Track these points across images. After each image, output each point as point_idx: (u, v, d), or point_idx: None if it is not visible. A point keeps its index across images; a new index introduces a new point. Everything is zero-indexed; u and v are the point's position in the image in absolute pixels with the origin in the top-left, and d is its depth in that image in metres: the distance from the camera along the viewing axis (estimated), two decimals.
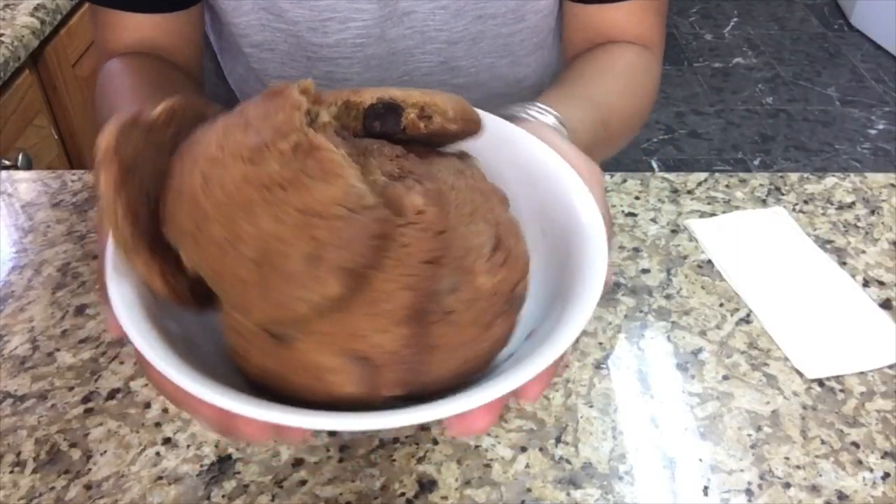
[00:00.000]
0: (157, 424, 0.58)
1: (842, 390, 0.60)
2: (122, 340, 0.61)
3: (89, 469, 0.55)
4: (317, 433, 0.56)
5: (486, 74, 0.73)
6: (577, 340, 0.62)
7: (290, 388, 0.34)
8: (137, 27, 0.67)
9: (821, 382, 0.61)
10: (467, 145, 0.42)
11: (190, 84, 0.68)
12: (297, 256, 0.30)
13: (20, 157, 1.14)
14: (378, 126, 0.36)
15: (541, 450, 0.56)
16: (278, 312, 0.32)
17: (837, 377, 0.61)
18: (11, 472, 0.55)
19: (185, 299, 0.36)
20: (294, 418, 0.31)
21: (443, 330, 0.34)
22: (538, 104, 0.52)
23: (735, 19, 3.21)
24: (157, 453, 0.56)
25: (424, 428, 0.57)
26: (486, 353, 0.35)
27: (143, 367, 0.36)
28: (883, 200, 0.77)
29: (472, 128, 0.39)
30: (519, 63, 0.74)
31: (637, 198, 0.77)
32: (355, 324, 0.32)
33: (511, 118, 0.50)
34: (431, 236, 0.33)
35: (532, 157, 0.42)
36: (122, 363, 0.62)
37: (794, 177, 0.80)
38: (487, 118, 0.42)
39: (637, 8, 0.67)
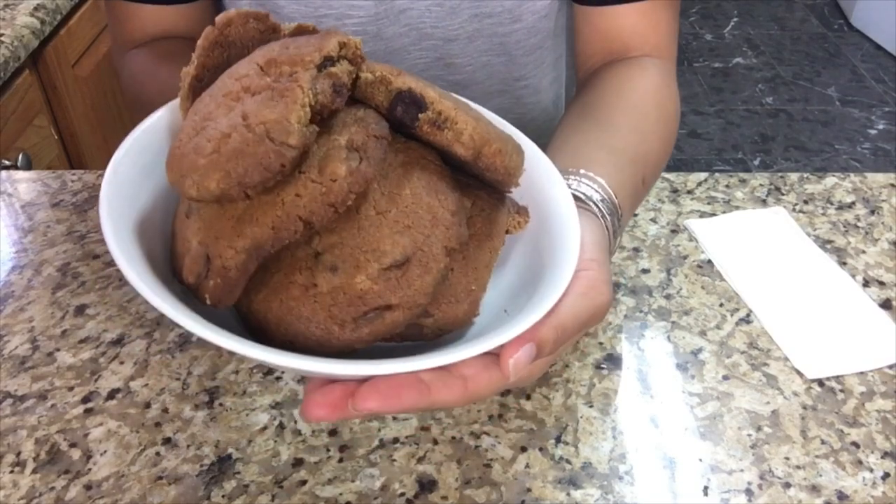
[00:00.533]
0: (157, 424, 0.58)
1: (842, 390, 0.60)
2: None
3: (89, 469, 0.55)
4: (316, 433, 0.56)
5: (483, 73, 0.73)
6: (577, 342, 0.62)
7: (173, 252, 0.37)
8: (153, 19, 0.68)
9: (821, 382, 0.61)
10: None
11: None
12: (211, 145, 0.34)
13: (20, 157, 1.14)
14: (399, 112, 0.37)
15: (541, 450, 0.56)
16: (177, 181, 0.35)
17: (837, 377, 0.61)
18: (11, 472, 0.55)
19: None
20: (147, 293, 0.34)
21: (297, 293, 0.35)
22: (586, 174, 0.50)
23: (735, 19, 3.21)
24: (157, 453, 0.56)
25: (424, 428, 0.57)
26: (318, 341, 0.36)
27: None
28: (883, 200, 0.77)
29: (493, 168, 0.39)
30: (515, 62, 0.74)
31: None
32: (220, 225, 0.35)
33: None
34: (322, 203, 0.34)
35: (551, 206, 0.43)
36: (122, 363, 0.62)
37: (794, 177, 0.80)
38: (534, 154, 0.44)
39: (651, 8, 0.66)
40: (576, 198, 0.47)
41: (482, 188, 0.41)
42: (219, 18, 0.39)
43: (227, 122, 0.33)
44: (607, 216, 0.49)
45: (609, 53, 0.68)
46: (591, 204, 0.48)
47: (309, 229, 0.34)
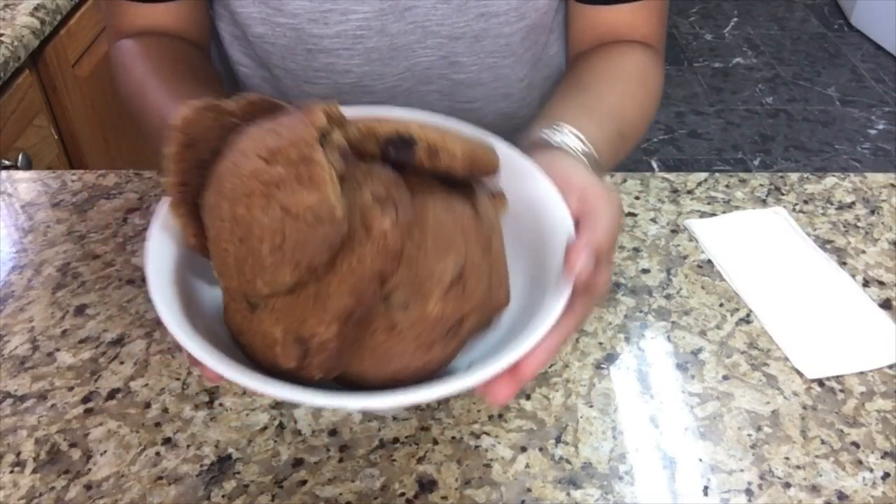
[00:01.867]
0: (157, 424, 0.58)
1: (842, 390, 0.60)
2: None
3: (89, 469, 0.55)
4: (316, 433, 0.56)
5: (488, 74, 0.74)
6: (576, 340, 0.62)
7: (251, 348, 0.40)
8: (147, 15, 0.70)
9: (821, 382, 0.61)
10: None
11: (204, 59, 0.71)
12: (267, 244, 0.36)
13: (20, 157, 1.14)
14: (393, 154, 0.40)
15: (541, 450, 0.56)
16: (245, 286, 0.38)
17: (837, 377, 0.61)
18: (11, 472, 0.55)
19: (208, 255, 0.42)
20: (240, 378, 0.37)
21: (383, 338, 0.39)
22: (566, 126, 0.54)
23: (735, 19, 3.21)
24: (157, 453, 0.56)
25: (424, 428, 0.57)
26: (419, 369, 0.39)
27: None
28: (883, 200, 0.77)
29: (484, 172, 0.43)
30: (520, 62, 0.74)
31: (637, 198, 0.77)
32: (302, 310, 0.38)
33: (539, 142, 0.54)
34: (385, 258, 0.37)
35: (535, 195, 0.46)
36: (122, 363, 0.62)
37: (794, 177, 0.80)
38: (506, 153, 0.46)
39: (642, 7, 0.69)
40: (556, 146, 0.52)
41: (460, 185, 0.44)
42: (175, 120, 0.41)
43: (270, 220, 0.36)
44: (584, 158, 0.53)
45: (600, 42, 0.71)
46: (574, 152, 0.53)
47: (383, 284, 0.38)
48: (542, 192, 0.45)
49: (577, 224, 0.45)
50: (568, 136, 0.54)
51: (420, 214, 0.40)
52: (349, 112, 0.43)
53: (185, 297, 0.42)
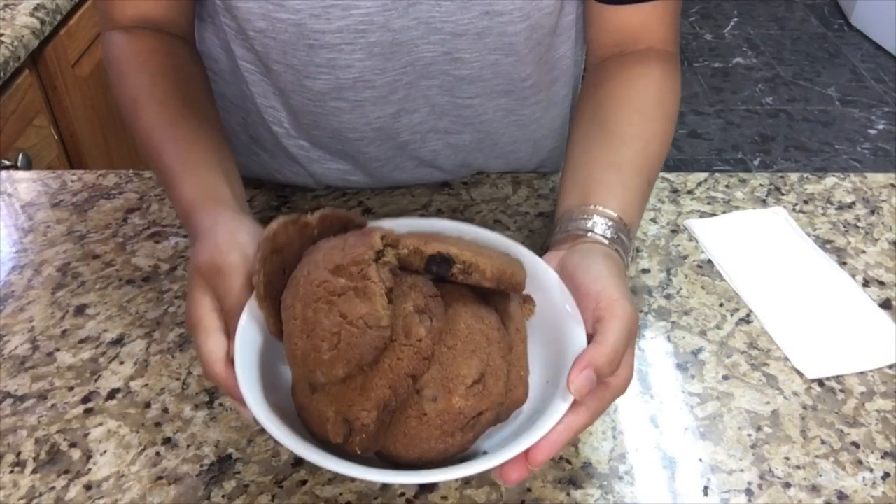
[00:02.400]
0: (157, 424, 0.58)
1: (842, 390, 0.60)
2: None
3: (89, 469, 0.55)
4: None
5: (490, 71, 0.74)
6: None
7: (309, 422, 0.48)
8: (138, 5, 0.72)
9: (821, 382, 0.61)
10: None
11: (193, 66, 0.73)
12: (327, 343, 0.45)
13: (20, 157, 1.14)
14: (434, 270, 0.48)
15: None
16: (307, 374, 0.46)
17: (837, 377, 0.61)
18: (11, 472, 0.55)
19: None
20: (299, 448, 0.45)
21: (414, 423, 0.47)
22: (598, 208, 0.58)
23: (735, 19, 3.21)
24: (157, 453, 0.56)
25: None
26: (440, 452, 0.47)
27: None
28: (883, 200, 0.77)
29: (510, 288, 0.50)
30: (522, 61, 0.74)
31: None
32: (350, 397, 0.46)
33: (574, 236, 0.57)
34: (419, 359, 0.46)
35: (553, 306, 0.53)
36: (122, 363, 0.62)
37: (794, 177, 0.81)
38: (532, 267, 0.53)
39: (659, 8, 0.70)
40: (592, 238, 0.57)
41: (494, 293, 0.52)
42: (266, 232, 0.50)
43: (330, 323, 0.45)
44: (618, 246, 0.56)
45: (618, 45, 0.72)
46: (605, 241, 0.56)
47: (415, 381, 0.46)
48: (560, 304, 0.52)
49: (591, 335, 0.49)
50: (599, 224, 0.57)
51: (453, 322, 0.49)
52: (406, 223, 0.55)
53: (264, 373, 0.50)
